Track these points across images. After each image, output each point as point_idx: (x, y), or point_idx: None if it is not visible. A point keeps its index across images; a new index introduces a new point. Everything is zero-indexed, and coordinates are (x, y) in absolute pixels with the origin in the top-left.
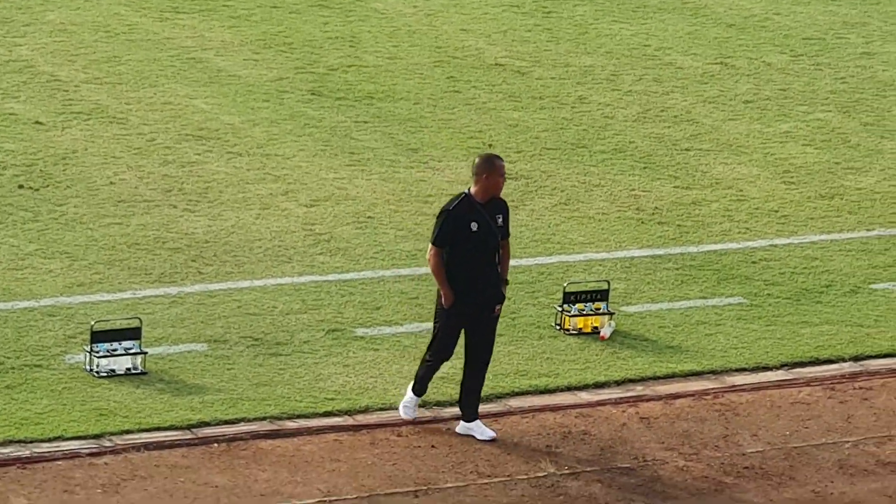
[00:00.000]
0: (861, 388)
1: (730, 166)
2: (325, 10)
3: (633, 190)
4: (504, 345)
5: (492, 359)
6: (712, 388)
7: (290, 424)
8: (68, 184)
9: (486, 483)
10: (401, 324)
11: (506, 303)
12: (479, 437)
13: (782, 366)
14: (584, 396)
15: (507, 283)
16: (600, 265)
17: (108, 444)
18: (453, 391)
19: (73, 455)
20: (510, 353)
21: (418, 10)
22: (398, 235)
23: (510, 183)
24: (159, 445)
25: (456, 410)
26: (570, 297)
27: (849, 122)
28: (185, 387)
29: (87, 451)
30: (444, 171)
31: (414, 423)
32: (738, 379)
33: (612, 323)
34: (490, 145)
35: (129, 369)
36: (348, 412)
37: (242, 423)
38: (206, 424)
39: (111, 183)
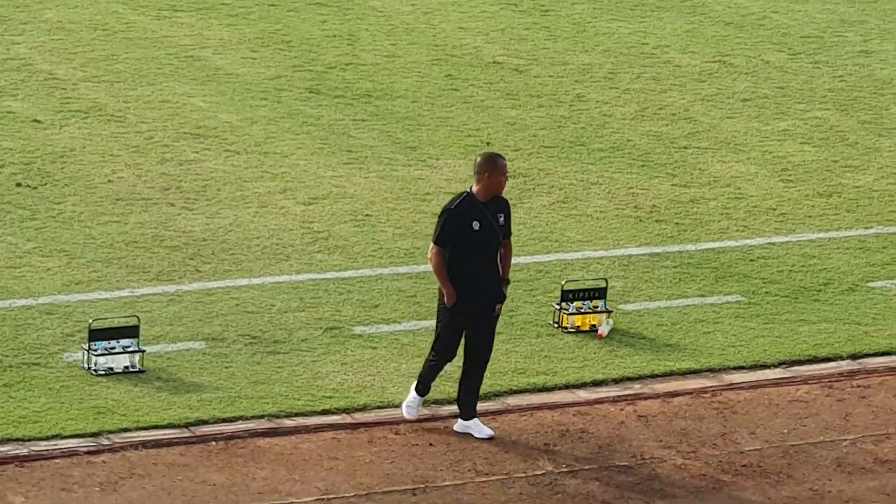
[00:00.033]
0: (859, 386)
1: (728, 164)
2: (323, 9)
3: (631, 188)
4: (502, 343)
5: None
6: (710, 387)
7: (288, 422)
8: (66, 182)
9: (484, 481)
10: (399, 322)
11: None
12: (477, 435)
13: (780, 364)
14: (582, 394)
15: (508, 282)
16: (598, 263)
17: (105, 442)
18: (451, 389)
19: (70, 453)
20: (508, 352)
21: (416, 8)
22: (396, 233)
23: (508, 181)
24: (157, 443)
25: (454, 409)
26: (568, 295)
27: (847, 121)
28: (183, 385)
29: (84, 449)
30: (442, 169)
31: (412, 421)
32: (736, 377)
33: (610, 321)
34: (488, 143)
35: (126, 367)
36: (346, 410)
37: (240, 422)
38: (204, 423)
39: (109, 181)
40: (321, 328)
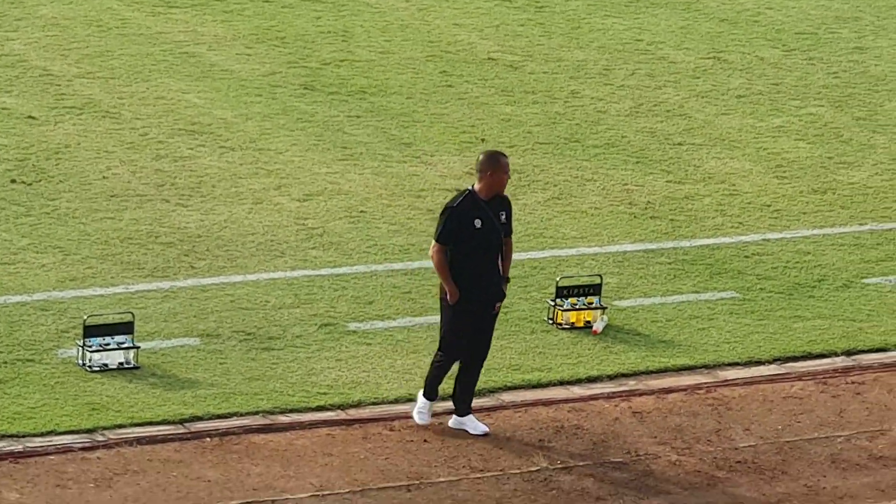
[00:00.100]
0: (853, 382)
1: (722, 161)
2: (317, 5)
3: (626, 184)
4: (496, 339)
5: None
6: (705, 383)
7: (283, 419)
8: (61, 178)
9: (479, 477)
10: (393, 318)
11: None
12: (471, 431)
13: (775, 360)
14: (577, 391)
15: (508, 280)
16: (593, 259)
17: (100, 438)
18: (447, 385)
19: (65, 449)
20: (503, 348)
21: (410, 4)
22: (391, 230)
23: None
24: (152, 440)
25: (449, 405)
26: (562, 292)
27: (841, 117)
28: (178, 381)
29: (79, 445)
30: (436, 165)
31: (406, 417)
32: (731, 373)
33: (605, 317)
34: (483, 140)
35: (121, 364)
36: (341, 406)
37: (235, 418)
38: (199, 419)
39: (104, 177)
40: (316, 324)
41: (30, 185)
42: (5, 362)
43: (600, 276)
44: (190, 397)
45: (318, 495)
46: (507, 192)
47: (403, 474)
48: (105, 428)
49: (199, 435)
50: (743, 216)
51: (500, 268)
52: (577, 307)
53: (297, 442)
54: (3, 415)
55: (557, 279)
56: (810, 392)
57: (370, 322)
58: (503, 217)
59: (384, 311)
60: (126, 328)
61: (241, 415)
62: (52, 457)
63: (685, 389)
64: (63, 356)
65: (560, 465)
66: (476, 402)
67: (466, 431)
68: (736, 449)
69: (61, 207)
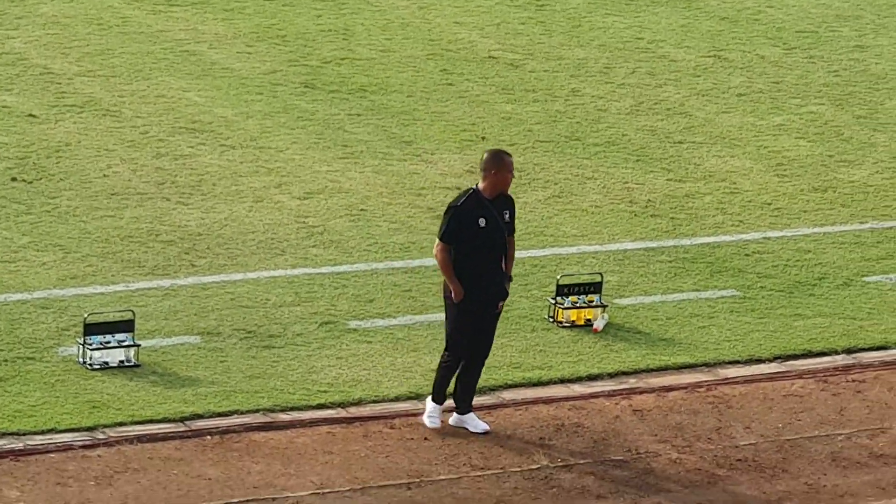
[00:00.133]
0: (854, 380)
1: (723, 159)
2: (318, 3)
3: (627, 183)
4: (497, 337)
5: None
6: (705, 381)
7: (283, 417)
8: (61, 176)
9: (479, 475)
10: (394, 316)
11: None
12: (472, 429)
13: (775, 358)
14: (578, 389)
15: (510, 279)
16: (593, 258)
17: (101, 436)
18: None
19: (66, 447)
20: (503, 346)
21: (411, 2)
22: (391, 228)
23: None
24: (152, 438)
25: (450, 403)
26: (563, 290)
27: (842, 115)
28: (178, 379)
29: (80, 443)
30: (437, 163)
31: (407, 415)
32: (731, 371)
33: (606, 315)
34: (483, 138)
35: (122, 362)
36: (341, 404)
37: (235, 416)
38: (199, 417)
39: (104, 176)
40: (316, 323)
41: (30, 183)
42: (6, 360)
43: (601, 274)
44: (190, 395)
45: (319, 493)
46: (510, 189)
47: (404, 472)
48: (106, 426)
49: (199, 433)
50: (743, 214)
51: (503, 267)
52: (578, 305)
53: (297, 440)
54: (4, 413)
55: (558, 277)
56: (811, 390)
57: (370, 320)
58: (507, 216)
59: (384, 309)
60: (127, 326)
61: (242, 413)
62: (52, 455)
63: (686, 387)
64: (64, 354)
65: (561, 463)
66: (477, 400)
67: (467, 429)
68: (736, 447)
69: (62, 205)
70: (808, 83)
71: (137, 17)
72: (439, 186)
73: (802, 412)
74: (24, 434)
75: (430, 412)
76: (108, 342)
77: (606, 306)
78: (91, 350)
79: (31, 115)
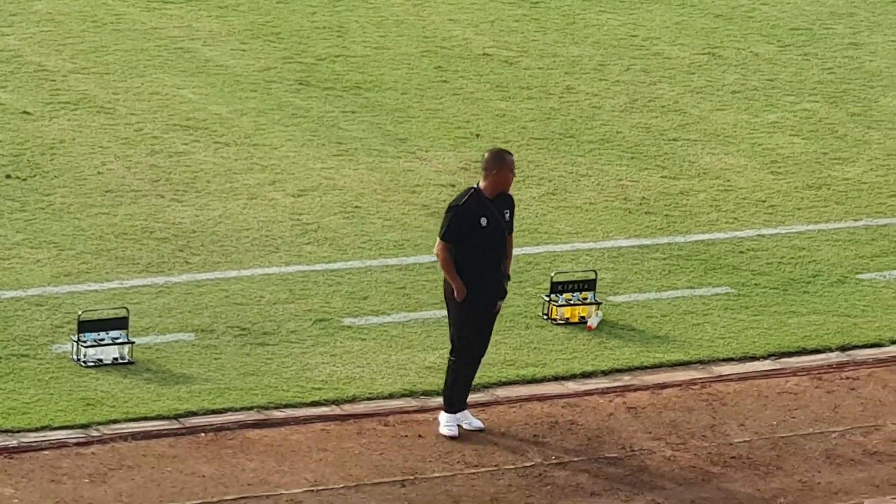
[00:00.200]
0: (848, 378)
1: (717, 156)
2: (312, 0)
3: (621, 180)
4: (491, 334)
5: None
6: (699, 378)
7: (278, 414)
8: (56, 174)
9: (474, 473)
10: (388, 314)
11: None
12: (466, 426)
13: (769, 356)
14: (572, 386)
15: (508, 278)
16: (588, 255)
17: (95, 433)
18: (441, 381)
19: (60, 445)
20: (497, 343)
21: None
22: (385, 225)
23: None
24: (146, 435)
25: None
26: (557, 287)
27: (836, 113)
28: (173, 376)
29: (74, 440)
30: (431, 161)
31: (401, 412)
32: (726, 369)
33: (600, 313)
34: (478, 135)
35: (116, 359)
36: (335, 402)
37: (229, 413)
38: (194, 414)
39: (99, 173)
40: (310, 320)
41: (24, 180)
42: (0, 357)
43: (595, 271)
44: (184, 392)
45: (313, 490)
46: (509, 189)
47: (398, 469)
48: (100, 423)
49: (193, 430)
50: (738, 212)
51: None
52: (572, 303)
53: (291, 437)
54: None
55: (552, 274)
56: (805, 387)
57: (365, 317)
58: (507, 215)
59: (379, 306)
60: (121, 323)
61: (236, 410)
62: (46, 452)
63: (680, 385)
64: (57, 351)
65: (555, 461)
66: (471, 398)
67: (461, 426)
68: (730, 444)
69: (56, 203)
70: (803, 80)
71: (131, 14)
72: (434, 184)
73: (797, 409)
74: (18, 431)
75: (446, 422)
76: (103, 339)
77: (601, 303)
78: (85, 347)
79: (25, 112)
